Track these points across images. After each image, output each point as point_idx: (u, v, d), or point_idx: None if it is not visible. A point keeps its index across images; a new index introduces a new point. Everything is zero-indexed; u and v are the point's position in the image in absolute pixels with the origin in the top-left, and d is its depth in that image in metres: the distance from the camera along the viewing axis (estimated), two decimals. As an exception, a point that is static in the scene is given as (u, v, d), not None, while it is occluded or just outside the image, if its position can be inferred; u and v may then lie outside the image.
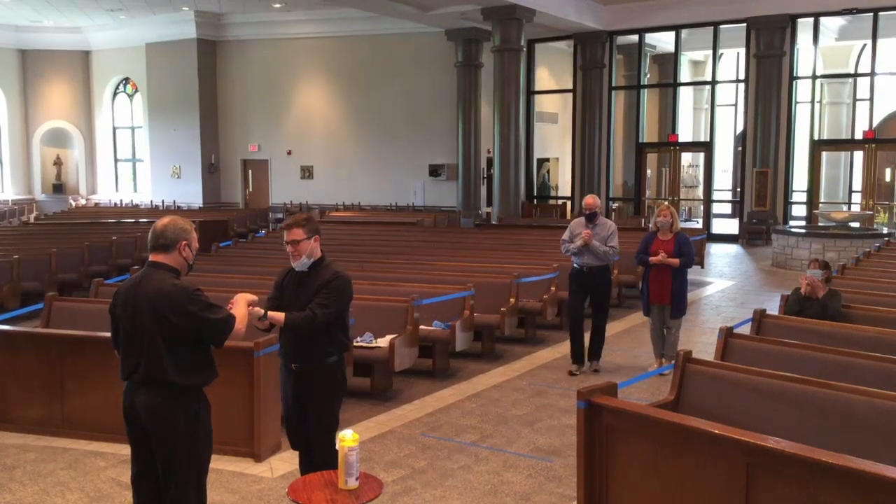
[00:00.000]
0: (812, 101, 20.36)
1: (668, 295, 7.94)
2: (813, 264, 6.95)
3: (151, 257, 3.80)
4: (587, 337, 8.22)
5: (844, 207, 21.97)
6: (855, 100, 22.33)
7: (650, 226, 8.43)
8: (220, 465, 5.34)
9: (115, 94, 28.51)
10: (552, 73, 24.22)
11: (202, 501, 3.86)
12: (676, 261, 7.85)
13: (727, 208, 24.81)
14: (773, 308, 7.04)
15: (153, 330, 3.67)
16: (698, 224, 22.49)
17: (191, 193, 25.63)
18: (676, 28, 21.06)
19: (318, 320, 4.26)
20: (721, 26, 20.45)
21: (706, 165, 21.74)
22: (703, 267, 14.42)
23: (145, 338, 3.69)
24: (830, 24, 20.85)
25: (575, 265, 8.05)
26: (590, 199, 7.93)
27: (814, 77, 20.14)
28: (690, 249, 8.08)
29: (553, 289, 9.61)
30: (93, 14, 24.91)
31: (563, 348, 9.20)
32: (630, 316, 10.96)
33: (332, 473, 3.73)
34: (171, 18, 24.90)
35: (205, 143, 25.76)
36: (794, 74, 19.78)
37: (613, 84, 22.27)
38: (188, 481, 3.76)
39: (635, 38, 21.88)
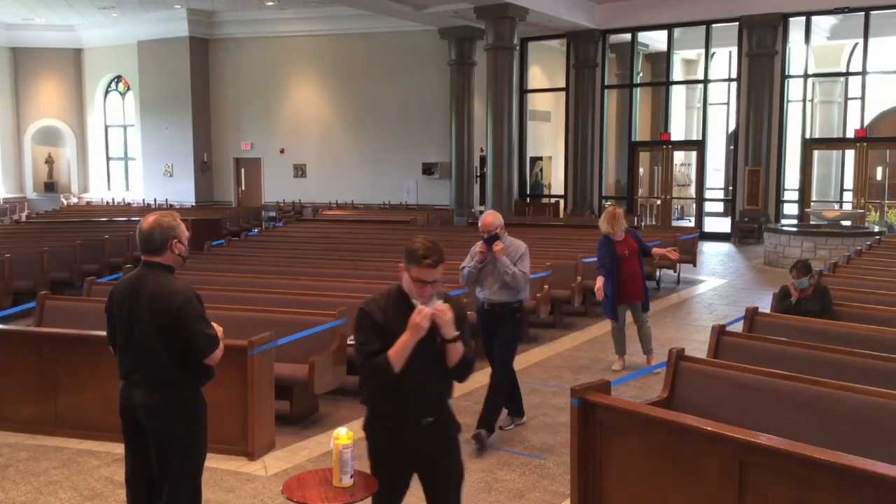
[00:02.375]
0: (804, 100, 20.43)
1: (640, 293, 8.02)
2: (795, 273, 6.87)
3: (144, 258, 3.79)
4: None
5: (836, 206, 22.08)
6: (846, 98, 22.40)
7: (606, 231, 7.99)
8: (214, 463, 5.33)
9: (107, 92, 28.42)
10: (545, 72, 24.25)
11: (197, 499, 3.87)
12: (677, 255, 8.09)
13: (719, 207, 24.86)
14: (765, 306, 7.08)
15: (151, 330, 3.67)
16: (690, 222, 22.56)
17: (183, 192, 25.57)
18: (669, 27, 21.10)
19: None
20: (713, 25, 20.50)
21: (698, 164, 21.79)
22: (695, 265, 14.47)
23: (143, 338, 3.69)
24: (822, 23, 20.92)
25: (478, 298, 6.28)
26: (488, 217, 6.09)
27: (806, 76, 20.21)
28: (644, 242, 8.31)
29: (546, 287, 9.63)
30: (84, 12, 24.81)
31: (557, 346, 9.23)
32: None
33: (327, 471, 3.74)
34: (163, 16, 24.83)
35: (197, 141, 25.71)
36: (786, 73, 19.84)
37: (606, 83, 22.31)
38: (184, 479, 3.77)
39: (628, 36, 21.92)
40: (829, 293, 6.85)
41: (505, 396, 6.20)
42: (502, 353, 6.19)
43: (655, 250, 8.47)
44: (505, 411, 6.30)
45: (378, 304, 3.48)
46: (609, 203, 21.97)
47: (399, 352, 3.37)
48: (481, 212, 21.59)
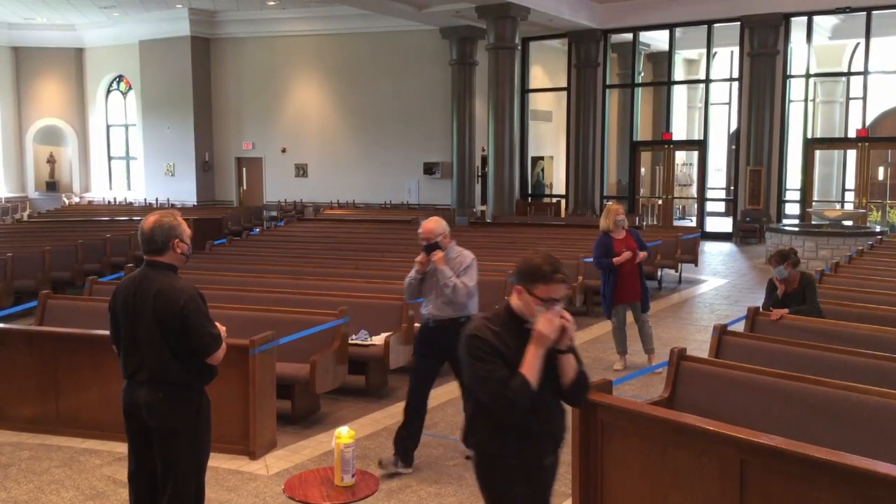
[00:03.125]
0: (805, 100, 20.42)
1: (638, 292, 8.01)
2: (773, 263, 6.77)
3: (147, 257, 3.80)
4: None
5: (838, 206, 22.07)
6: (848, 98, 22.41)
7: (605, 227, 7.98)
8: (216, 462, 5.33)
9: (108, 91, 28.44)
10: (546, 72, 24.24)
11: (201, 498, 3.87)
12: (645, 254, 7.99)
13: (721, 206, 24.86)
14: (766, 306, 7.05)
15: (155, 329, 3.68)
16: (692, 222, 22.55)
17: (185, 191, 25.58)
18: (670, 27, 21.09)
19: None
20: (715, 25, 20.49)
21: (700, 164, 21.78)
22: (696, 265, 14.47)
23: (147, 337, 3.70)
24: (824, 23, 20.90)
25: (423, 314, 5.60)
26: (429, 224, 5.46)
27: (807, 76, 20.20)
28: (644, 242, 8.23)
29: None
30: (86, 11, 24.83)
31: (558, 346, 9.20)
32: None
33: (329, 470, 3.74)
34: (164, 16, 24.85)
35: (199, 140, 25.72)
36: (788, 73, 19.83)
37: (608, 82, 22.30)
38: (187, 478, 3.77)
39: (629, 36, 21.91)
40: (812, 287, 6.71)
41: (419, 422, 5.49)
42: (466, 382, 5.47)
43: (617, 259, 8.15)
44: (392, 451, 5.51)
45: (490, 329, 3.08)
46: (610, 201, 21.96)
47: (531, 368, 2.97)
48: (483, 211, 21.65)
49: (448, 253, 5.42)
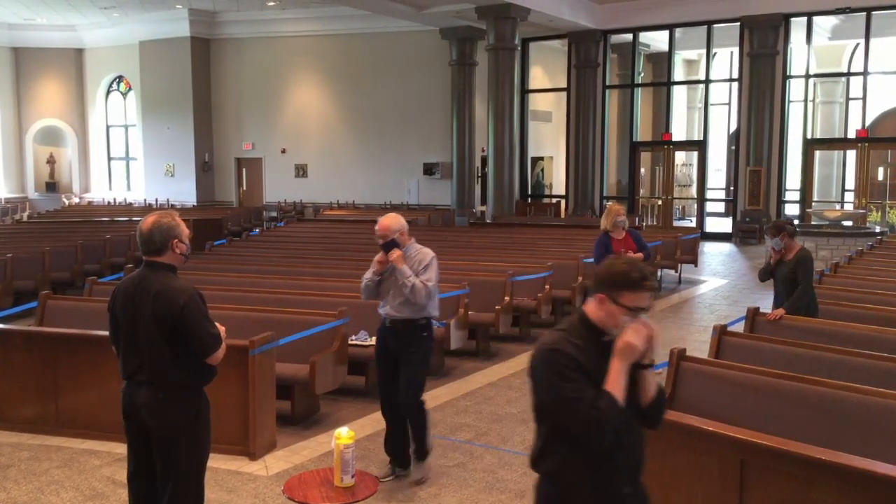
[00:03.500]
0: (805, 100, 20.42)
1: None
2: (770, 233, 6.97)
3: (146, 258, 3.80)
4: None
5: (837, 206, 22.06)
6: (848, 99, 22.40)
7: (605, 227, 8.01)
8: (215, 463, 5.32)
9: (108, 92, 28.44)
10: (546, 72, 24.24)
11: (200, 499, 3.87)
12: (640, 255, 7.98)
13: (720, 207, 24.87)
14: (766, 306, 7.06)
15: (154, 330, 3.68)
16: (692, 223, 22.55)
17: (184, 192, 25.58)
18: (670, 27, 21.09)
19: None
20: (715, 25, 20.49)
21: (700, 164, 21.78)
22: (696, 265, 14.47)
23: (147, 337, 3.70)
24: (824, 24, 20.91)
25: (380, 314, 5.35)
26: (385, 220, 5.20)
27: (807, 76, 20.20)
28: (646, 244, 8.23)
29: (547, 287, 9.63)
30: (86, 12, 24.83)
31: (558, 346, 9.21)
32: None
33: (328, 471, 3.74)
34: (164, 16, 24.85)
35: (198, 141, 25.72)
36: (788, 73, 19.83)
37: (607, 83, 22.30)
38: (187, 479, 3.77)
39: (629, 36, 21.91)
40: (806, 262, 6.79)
41: (423, 428, 5.31)
42: (411, 384, 5.19)
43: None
44: (386, 459, 5.43)
45: (570, 342, 2.74)
46: (611, 202, 21.98)
47: (617, 384, 2.68)
48: (483, 212, 21.65)
49: (407, 251, 5.18)
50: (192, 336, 3.67)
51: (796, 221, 19.16)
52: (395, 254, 5.09)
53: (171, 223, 3.76)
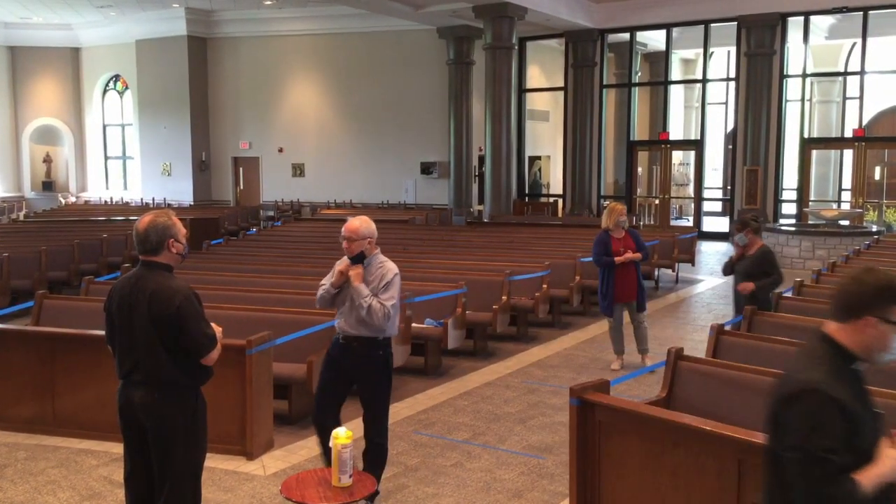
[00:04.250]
0: (802, 100, 20.44)
1: (634, 292, 8.04)
2: (734, 229, 7.42)
3: (142, 258, 3.79)
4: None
5: (834, 205, 22.09)
6: (845, 98, 22.41)
7: (606, 225, 8.04)
8: (213, 463, 5.32)
9: (105, 91, 28.39)
10: (544, 71, 24.25)
11: (197, 499, 3.87)
12: (639, 255, 8.02)
13: (718, 206, 24.87)
14: (763, 305, 7.06)
15: (151, 329, 3.67)
16: (689, 222, 22.56)
17: (181, 191, 25.55)
18: (667, 26, 21.10)
19: None
20: (712, 25, 20.49)
21: (697, 163, 21.79)
22: (693, 265, 14.48)
23: (143, 337, 3.69)
24: (820, 23, 20.92)
25: (335, 326, 4.87)
26: (354, 223, 4.74)
27: (804, 75, 20.21)
28: (644, 243, 8.28)
29: (545, 286, 9.63)
30: (82, 11, 24.78)
31: (556, 346, 9.23)
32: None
33: (326, 471, 3.74)
34: (161, 15, 24.81)
35: (195, 140, 25.68)
36: (785, 73, 19.84)
37: (605, 82, 22.31)
38: (183, 479, 3.76)
39: (626, 36, 21.92)
40: (767, 258, 7.17)
41: (383, 455, 4.77)
42: (379, 421, 4.69)
43: (619, 259, 8.16)
44: None
45: (839, 381, 2.27)
46: (612, 201, 21.99)
47: (871, 479, 2.25)
48: (480, 211, 21.65)
49: (371, 261, 4.69)
50: (187, 336, 3.66)
51: (793, 221, 19.20)
52: (355, 271, 4.59)
53: (167, 223, 3.75)
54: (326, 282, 4.74)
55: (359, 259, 4.63)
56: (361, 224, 4.67)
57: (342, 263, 4.66)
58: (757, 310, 6.40)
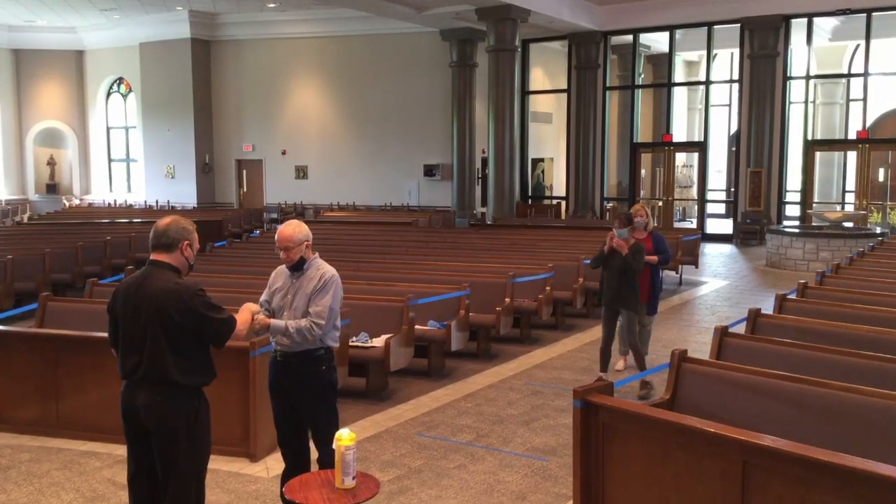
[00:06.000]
0: (806, 102, 20.42)
1: (646, 294, 7.94)
2: (618, 223, 7.39)
3: (153, 256, 3.81)
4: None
5: (838, 207, 22.04)
6: (848, 100, 22.41)
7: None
8: (216, 465, 5.32)
9: (108, 93, 28.44)
10: (547, 73, 24.24)
11: (201, 501, 3.86)
12: (655, 258, 7.96)
13: (721, 208, 24.86)
14: (767, 308, 7.05)
15: (156, 329, 3.68)
16: (692, 224, 22.54)
17: (185, 193, 25.58)
18: (671, 28, 21.10)
19: None
20: (715, 27, 20.49)
21: (700, 165, 21.77)
22: (697, 267, 14.46)
23: (147, 337, 3.69)
24: (824, 25, 20.91)
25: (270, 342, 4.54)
26: (287, 230, 4.34)
27: (807, 77, 20.20)
28: (667, 248, 8.21)
29: (548, 288, 9.62)
30: (86, 14, 24.84)
31: (559, 348, 9.22)
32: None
33: (329, 472, 3.73)
34: (164, 18, 24.85)
35: (199, 143, 25.71)
36: (788, 75, 19.83)
37: (608, 84, 22.30)
38: (187, 480, 3.76)
39: (629, 38, 21.92)
40: (640, 252, 7.35)
41: None
42: (327, 443, 4.17)
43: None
44: None
45: None
46: (612, 203, 22.04)
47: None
48: (483, 213, 21.64)
49: (310, 265, 4.36)
50: (206, 326, 3.71)
51: (796, 223, 19.17)
52: (248, 312, 4.05)
53: (188, 226, 3.88)
54: (266, 298, 4.45)
55: (299, 266, 4.32)
56: (295, 230, 4.32)
57: (280, 280, 4.41)
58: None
